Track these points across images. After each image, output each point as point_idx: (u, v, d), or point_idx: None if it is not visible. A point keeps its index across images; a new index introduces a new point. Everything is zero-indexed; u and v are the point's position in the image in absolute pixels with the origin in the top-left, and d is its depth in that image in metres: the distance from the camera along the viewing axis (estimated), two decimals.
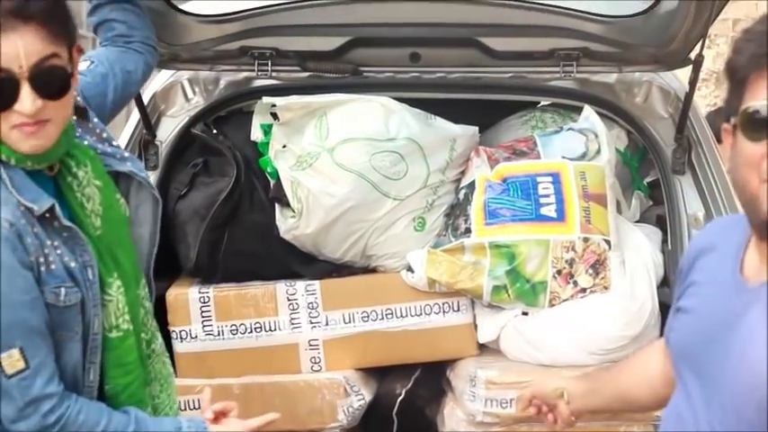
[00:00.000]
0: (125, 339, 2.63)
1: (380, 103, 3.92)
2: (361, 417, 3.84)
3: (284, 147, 3.90)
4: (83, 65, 2.89)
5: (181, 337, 3.88)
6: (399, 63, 4.09)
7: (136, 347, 2.67)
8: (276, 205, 3.95)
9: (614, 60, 4.04)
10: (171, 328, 3.87)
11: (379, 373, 4.00)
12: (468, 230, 3.85)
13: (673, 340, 2.36)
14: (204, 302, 3.88)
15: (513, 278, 3.77)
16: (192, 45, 4.00)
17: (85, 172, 2.59)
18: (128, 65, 3.10)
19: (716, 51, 9.51)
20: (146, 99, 4.03)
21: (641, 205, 4.18)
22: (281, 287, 3.89)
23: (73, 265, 2.50)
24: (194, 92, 4.15)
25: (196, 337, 3.87)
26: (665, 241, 4.00)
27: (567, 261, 3.77)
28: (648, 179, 4.24)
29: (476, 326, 3.91)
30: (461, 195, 3.96)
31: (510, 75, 4.12)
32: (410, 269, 3.88)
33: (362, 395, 3.82)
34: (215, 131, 4.06)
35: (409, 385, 3.92)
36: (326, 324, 3.88)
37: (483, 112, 4.26)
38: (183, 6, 3.94)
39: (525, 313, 3.84)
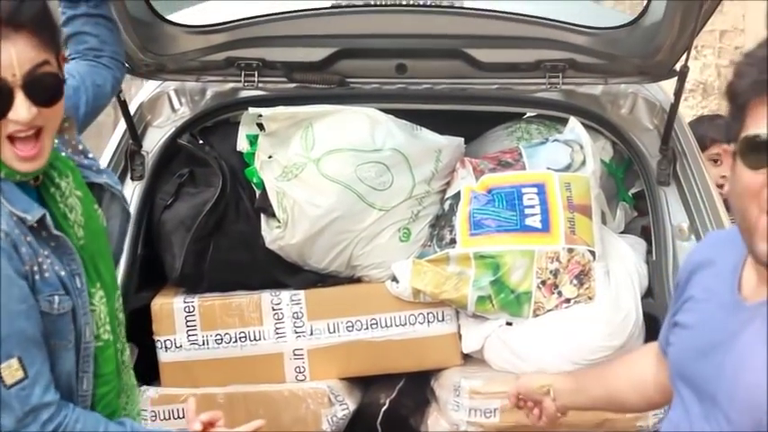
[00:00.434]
0: (106, 350, 2.63)
1: (366, 114, 3.93)
2: (345, 426, 3.83)
3: (270, 157, 3.91)
4: None
5: (166, 347, 3.88)
6: (386, 74, 4.09)
7: (114, 358, 2.67)
8: (262, 216, 3.95)
9: (600, 72, 4.05)
10: (156, 338, 3.88)
11: (363, 383, 4.00)
12: (453, 241, 3.86)
13: (670, 355, 2.37)
14: (189, 312, 3.88)
15: (498, 288, 3.78)
16: (179, 55, 4.00)
17: (67, 183, 2.60)
18: (97, 79, 3.11)
19: (702, 62, 9.53)
20: (132, 109, 4.03)
21: (626, 216, 4.20)
22: (266, 297, 3.89)
23: (63, 273, 2.50)
24: (181, 102, 4.14)
25: (181, 346, 3.87)
26: (649, 252, 4.01)
27: (551, 271, 3.78)
28: (633, 190, 4.24)
29: (460, 336, 3.92)
30: (446, 206, 3.97)
31: (496, 86, 4.12)
32: (395, 279, 3.89)
33: (347, 405, 3.82)
34: (201, 142, 4.06)
35: (393, 395, 3.92)
36: (311, 334, 3.88)
37: (469, 123, 4.27)
38: (171, 17, 3.96)
39: (510, 323, 3.85)
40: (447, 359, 3.92)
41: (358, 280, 4.00)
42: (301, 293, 3.90)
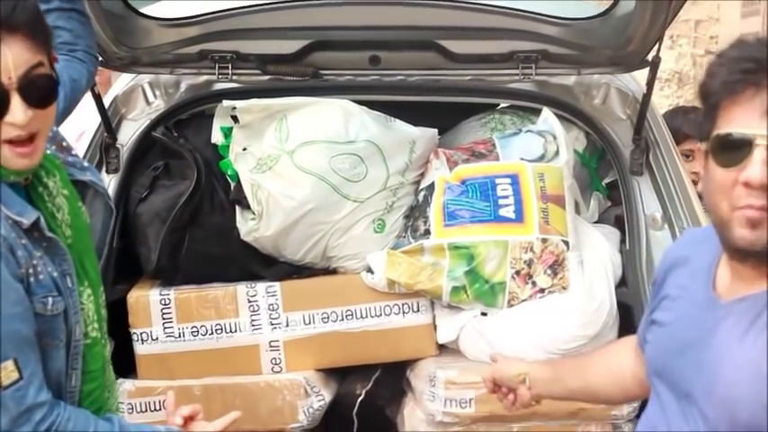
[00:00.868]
0: (93, 347, 2.64)
1: (340, 105, 3.94)
2: (321, 417, 3.85)
3: (244, 149, 3.92)
4: None
5: (142, 339, 3.88)
6: (359, 66, 4.10)
7: (102, 354, 2.68)
8: (237, 208, 3.96)
9: (573, 63, 4.06)
10: (132, 330, 3.89)
11: (339, 374, 4.01)
12: (427, 232, 3.87)
13: (647, 353, 2.39)
14: (165, 304, 3.88)
15: (472, 279, 3.80)
16: (153, 48, 4.00)
17: (54, 182, 2.59)
18: (73, 73, 3.12)
19: (678, 52, 9.56)
20: (107, 102, 4.03)
21: (600, 206, 4.21)
22: (241, 289, 3.90)
23: (55, 274, 2.51)
24: (155, 95, 4.15)
25: (157, 338, 3.88)
26: (623, 241, 4.03)
27: (525, 262, 3.80)
28: (607, 180, 4.26)
29: (435, 326, 3.93)
30: (421, 197, 3.99)
31: (469, 77, 4.13)
32: (370, 270, 3.90)
33: (323, 396, 3.84)
34: (176, 134, 4.06)
35: (369, 386, 3.95)
36: (287, 325, 3.89)
37: (442, 114, 4.29)
38: (145, 10, 3.96)
39: (484, 314, 3.86)
40: (422, 349, 3.93)
41: (333, 271, 4.01)
42: (277, 285, 3.91)
